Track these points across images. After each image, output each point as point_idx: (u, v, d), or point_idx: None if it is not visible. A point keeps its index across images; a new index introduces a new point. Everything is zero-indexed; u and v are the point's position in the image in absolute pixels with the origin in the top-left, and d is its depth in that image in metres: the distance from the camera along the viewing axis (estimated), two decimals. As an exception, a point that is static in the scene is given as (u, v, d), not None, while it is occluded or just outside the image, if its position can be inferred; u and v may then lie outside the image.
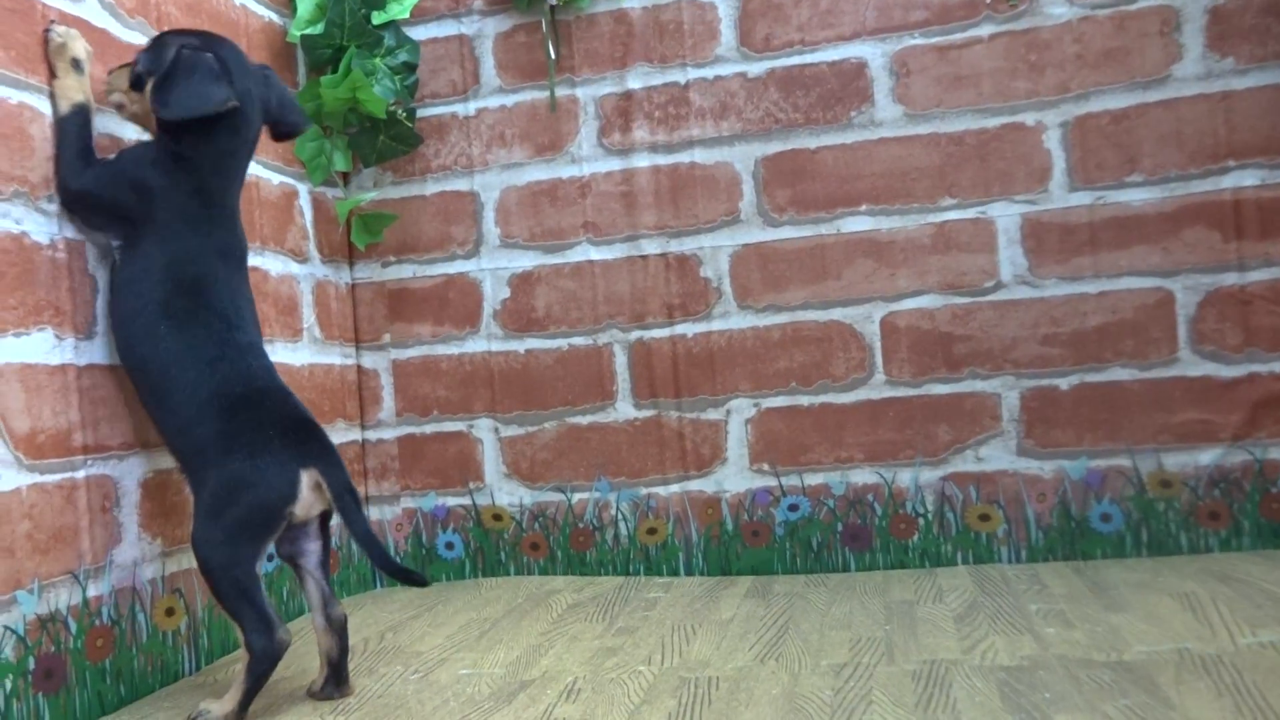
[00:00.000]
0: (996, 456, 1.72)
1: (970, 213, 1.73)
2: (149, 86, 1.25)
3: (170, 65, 1.23)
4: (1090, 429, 1.69)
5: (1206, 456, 1.65)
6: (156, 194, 1.25)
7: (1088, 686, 1.08)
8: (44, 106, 1.25)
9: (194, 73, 1.23)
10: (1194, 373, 1.66)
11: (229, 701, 1.17)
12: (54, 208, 1.25)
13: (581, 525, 1.88)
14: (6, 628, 1.14)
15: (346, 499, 1.22)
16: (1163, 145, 1.66)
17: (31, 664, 1.17)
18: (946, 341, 1.74)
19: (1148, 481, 1.67)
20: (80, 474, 1.26)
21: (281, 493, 1.19)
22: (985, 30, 1.72)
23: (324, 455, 1.22)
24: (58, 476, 1.23)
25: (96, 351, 1.30)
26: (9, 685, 1.14)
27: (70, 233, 1.27)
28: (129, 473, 1.34)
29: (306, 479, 1.20)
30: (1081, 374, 1.69)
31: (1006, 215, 1.72)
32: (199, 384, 1.22)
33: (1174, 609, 1.34)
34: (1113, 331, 1.68)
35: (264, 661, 1.18)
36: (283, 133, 1.39)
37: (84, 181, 1.25)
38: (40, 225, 1.23)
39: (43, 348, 1.22)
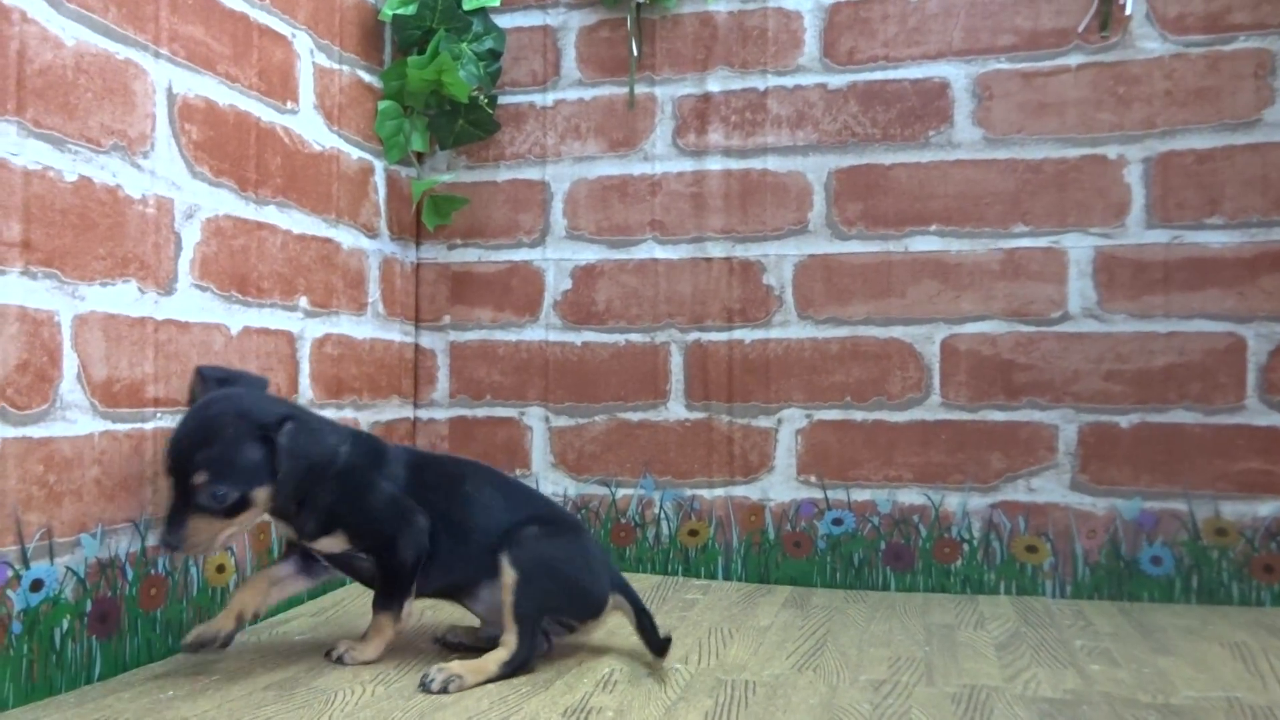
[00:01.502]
0: (1049, 489, 1.70)
1: (1042, 241, 1.72)
2: (264, 495, 1.18)
3: (288, 463, 1.16)
4: (1148, 470, 1.67)
5: (1266, 508, 1.62)
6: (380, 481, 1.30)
7: (1133, 727, 1.07)
8: (148, 63, 1.28)
9: (304, 443, 1.19)
10: (1260, 422, 1.63)
11: (474, 677, 1.22)
12: (149, 163, 1.29)
13: (624, 520, 1.89)
14: (68, 569, 1.17)
15: (645, 618, 1.32)
16: (1247, 189, 1.64)
17: (89, 606, 1.20)
18: (1007, 369, 1.72)
19: (1203, 528, 1.64)
20: (149, 425, 1.29)
21: (599, 605, 1.33)
22: (1074, 60, 1.71)
23: (626, 586, 1.35)
24: (128, 426, 1.26)
25: (174, 308, 1.33)
26: (65, 625, 1.17)
27: (161, 190, 1.31)
28: (194, 428, 1.37)
29: (612, 602, 1.34)
30: (1143, 413, 1.67)
31: (1079, 247, 1.70)
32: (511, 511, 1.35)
33: (1224, 657, 1.32)
34: (1179, 373, 1.66)
35: (518, 669, 1.25)
36: None
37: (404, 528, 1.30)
38: (134, 180, 1.26)
39: (126, 299, 1.25)
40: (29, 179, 1.11)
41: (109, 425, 1.23)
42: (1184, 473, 1.65)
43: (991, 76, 1.74)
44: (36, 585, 1.13)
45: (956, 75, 1.76)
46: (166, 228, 1.32)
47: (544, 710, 1.12)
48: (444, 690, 1.19)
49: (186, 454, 1.14)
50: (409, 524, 1.28)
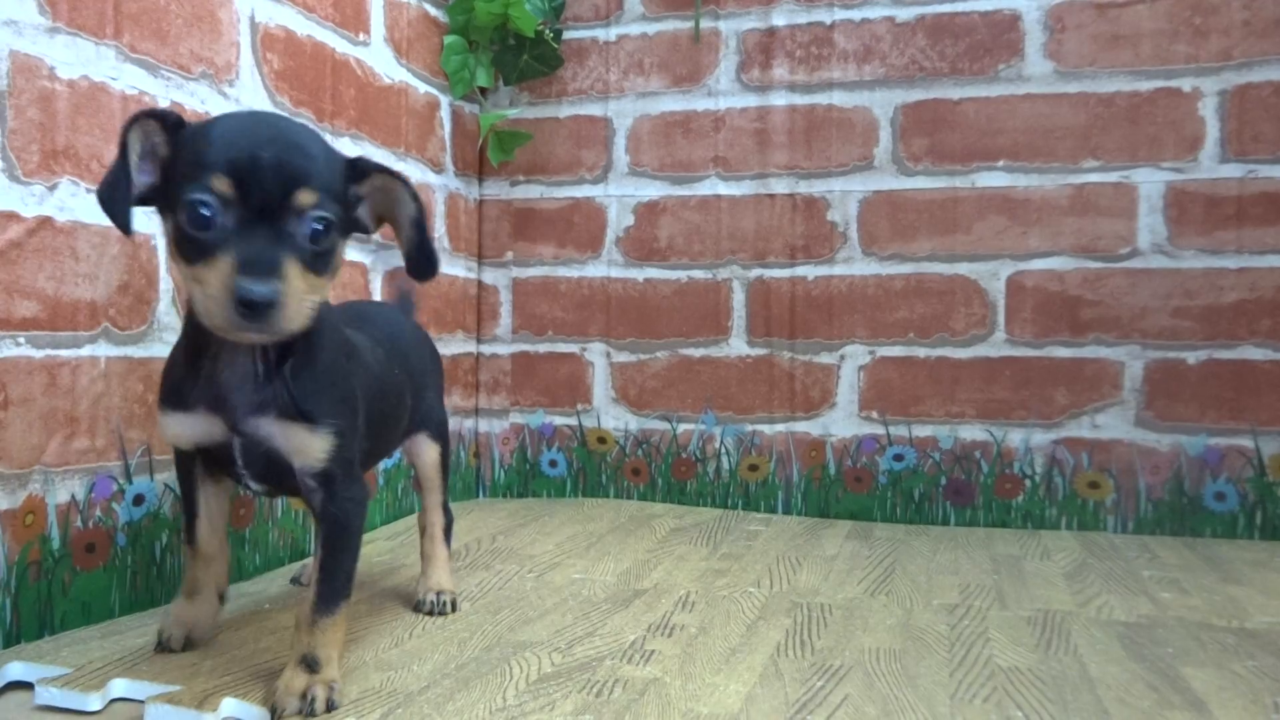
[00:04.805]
0: (1113, 425, 1.71)
1: (1112, 176, 1.70)
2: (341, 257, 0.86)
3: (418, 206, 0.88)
4: (1214, 406, 1.66)
5: (1334, 444, 1.62)
6: None
7: (1211, 647, 1.08)
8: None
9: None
10: (1331, 358, 1.62)
11: (447, 571, 1.25)
12: (234, 91, 1.30)
13: (684, 455, 1.91)
14: (167, 485, 1.21)
15: None
16: (1326, 122, 1.61)
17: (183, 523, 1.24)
18: (1074, 305, 1.72)
19: (1269, 464, 1.64)
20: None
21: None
22: (1149, -10, 1.68)
23: None
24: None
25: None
26: (164, 539, 1.21)
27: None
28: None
29: None
30: (1211, 349, 1.67)
31: (1150, 182, 1.69)
32: None
33: (1295, 587, 1.33)
34: (1250, 309, 1.65)
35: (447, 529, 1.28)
36: None
37: None
38: (221, 107, 1.28)
39: (215, 225, 1.27)
40: (126, 103, 1.13)
41: (201, 348, 1.26)
42: (1251, 409, 1.65)
43: (1064, 8, 1.72)
44: (139, 500, 1.17)
45: (1028, 7, 1.73)
46: (251, 156, 1.34)
47: (628, 625, 1.15)
48: (453, 607, 1.20)
49: (287, 161, 0.77)
50: None
